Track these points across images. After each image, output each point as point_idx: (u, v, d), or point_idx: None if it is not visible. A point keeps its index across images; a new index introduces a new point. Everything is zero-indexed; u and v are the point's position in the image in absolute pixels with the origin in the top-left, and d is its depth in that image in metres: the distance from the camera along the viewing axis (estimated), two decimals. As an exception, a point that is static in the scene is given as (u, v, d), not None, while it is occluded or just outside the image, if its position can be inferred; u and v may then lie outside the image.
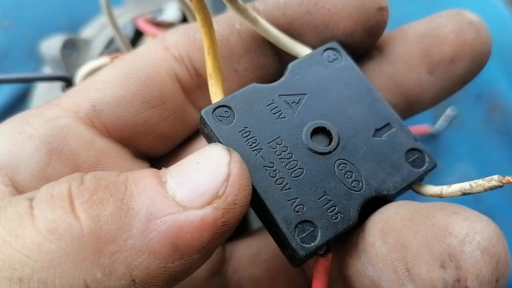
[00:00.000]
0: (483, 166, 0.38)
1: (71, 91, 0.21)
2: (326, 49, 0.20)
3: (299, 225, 0.17)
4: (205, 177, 0.15)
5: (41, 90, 0.41)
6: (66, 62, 0.38)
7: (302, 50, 0.21)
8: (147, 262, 0.14)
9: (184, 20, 0.40)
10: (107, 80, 0.20)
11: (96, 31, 0.43)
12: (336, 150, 0.19)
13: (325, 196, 0.18)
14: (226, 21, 0.21)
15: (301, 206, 0.18)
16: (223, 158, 0.16)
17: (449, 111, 0.38)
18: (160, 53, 0.21)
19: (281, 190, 0.18)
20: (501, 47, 0.42)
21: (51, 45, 0.39)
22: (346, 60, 0.20)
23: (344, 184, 0.19)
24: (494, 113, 0.39)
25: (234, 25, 0.21)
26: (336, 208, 0.18)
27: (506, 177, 0.17)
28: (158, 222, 0.14)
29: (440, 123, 0.38)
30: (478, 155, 0.38)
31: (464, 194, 0.19)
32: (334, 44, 0.20)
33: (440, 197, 0.19)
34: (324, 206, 0.18)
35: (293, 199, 0.18)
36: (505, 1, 0.48)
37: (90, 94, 0.20)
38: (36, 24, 0.47)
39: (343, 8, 0.19)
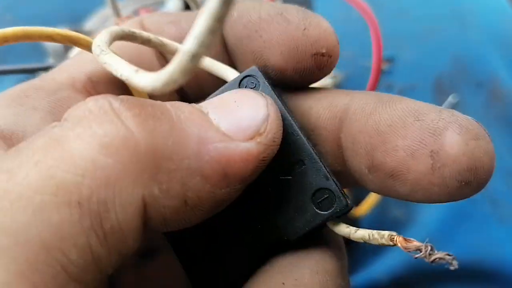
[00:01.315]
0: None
1: (63, 65, 0.20)
2: (244, 77, 0.19)
3: None
4: (247, 114, 0.16)
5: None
6: (68, 54, 0.38)
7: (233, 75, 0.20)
8: (200, 185, 0.14)
9: (187, 9, 0.40)
10: None
11: (98, 23, 0.43)
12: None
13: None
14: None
15: None
16: (261, 100, 0.16)
17: (450, 99, 0.39)
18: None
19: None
20: (501, 34, 0.42)
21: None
22: (264, 87, 0.18)
23: (248, 233, 0.18)
24: (494, 100, 0.39)
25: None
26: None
27: (395, 237, 0.16)
28: (210, 147, 0.15)
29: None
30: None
31: (365, 242, 0.17)
32: (253, 71, 0.19)
33: (349, 238, 0.17)
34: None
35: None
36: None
37: (85, 66, 0.19)
38: (38, 18, 0.47)
39: (276, 44, 0.18)
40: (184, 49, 0.12)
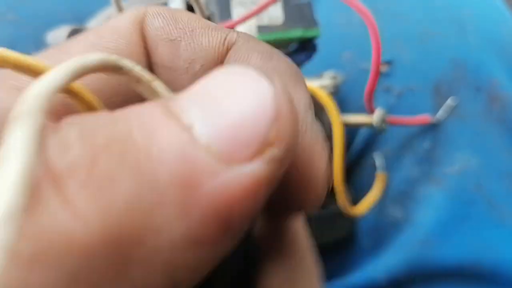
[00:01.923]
0: (483, 155, 0.38)
1: (75, 41, 0.16)
2: None
3: None
4: (246, 113, 0.10)
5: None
6: None
7: None
8: (192, 258, 0.10)
9: (190, 10, 0.40)
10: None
11: (101, 22, 0.43)
12: None
13: None
14: None
15: None
16: (264, 87, 0.11)
17: (449, 102, 0.39)
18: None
19: None
20: (500, 39, 0.43)
21: (57, 35, 0.40)
22: None
23: None
24: (493, 103, 0.40)
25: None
26: None
27: None
28: (202, 192, 0.09)
29: (441, 113, 0.39)
30: (478, 144, 0.39)
31: None
32: None
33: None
34: None
35: None
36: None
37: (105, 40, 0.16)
38: (41, 17, 0.47)
39: None
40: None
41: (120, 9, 0.34)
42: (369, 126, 0.36)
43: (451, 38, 0.41)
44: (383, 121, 0.35)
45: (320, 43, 0.45)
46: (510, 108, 0.40)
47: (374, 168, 0.40)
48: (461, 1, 0.44)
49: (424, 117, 0.39)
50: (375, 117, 0.35)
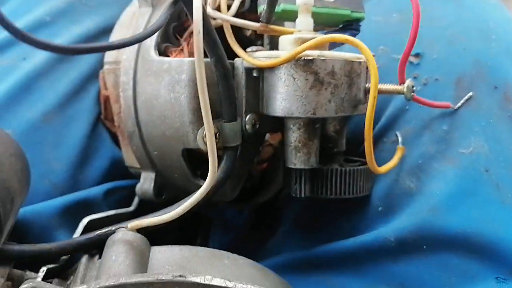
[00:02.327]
0: (494, 143, 0.43)
1: None
2: None
3: None
4: None
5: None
6: None
7: None
8: None
9: None
10: None
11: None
12: None
13: None
14: None
15: None
16: None
17: (468, 96, 0.44)
18: None
19: None
20: None
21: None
22: None
23: None
24: (507, 103, 0.44)
25: None
26: None
27: None
28: None
29: (459, 104, 0.44)
30: (491, 133, 0.43)
31: None
32: None
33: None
34: None
35: None
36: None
37: None
38: None
39: None
40: None
41: None
42: (400, 93, 0.40)
43: (476, 43, 0.46)
44: (412, 90, 0.40)
45: (360, 37, 0.51)
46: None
47: (395, 144, 0.45)
48: (488, 15, 0.49)
49: (446, 103, 0.43)
50: (406, 87, 0.40)
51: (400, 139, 0.44)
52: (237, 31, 0.44)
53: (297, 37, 0.39)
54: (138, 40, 0.31)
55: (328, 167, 0.41)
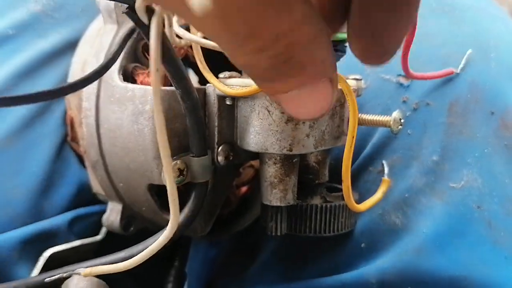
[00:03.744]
0: (488, 176, 0.39)
1: None
2: None
3: None
4: None
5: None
6: (118, 13, 0.40)
7: None
8: None
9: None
10: None
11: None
12: None
13: None
14: None
15: None
16: None
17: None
18: None
19: None
20: None
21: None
22: None
23: None
24: (505, 130, 0.41)
25: None
26: None
27: None
28: None
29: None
30: (485, 166, 0.40)
31: None
32: None
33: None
34: None
35: None
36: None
37: None
38: None
39: None
40: None
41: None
42: (386, 126, 0.37)
43: (474, 62, 0.42)
44: (399, 124, 0.37)
45: (348, 50, 0.47)
46: (520, 137, 0.41)
47: (382, 174, 0.41)
48: (489, 31, 0.45)
49: (449, 70, 0.41)
50: (392, 119, 0.36)
51: (386, 169, 0.41)
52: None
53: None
54: (95, 76, 0.28)
55: (307, 203, 0.38)
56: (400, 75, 0.43)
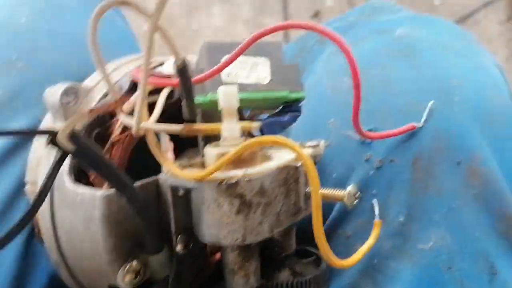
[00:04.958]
0: (458, 233, 0.38)
1: None
2: None
3: None
4: None
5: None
6: (65, 110, 0.41)
7: None
8: None
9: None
10: None
11: (98, 79, 0.45)
12: None
13: None
14: None
15: None
16: None
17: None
18: None
19: None
20: (489, 111, 0.42)
21: (53, 92, 0.42)
22: None
23: None
24: (472, 179, 0.39)
25: None
26: None
27: None
28: None
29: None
30: (454, 221, 0.38)
31: None
32: None
33: None
34: None
35: None
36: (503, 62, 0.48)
37: None
38: (48, 68, 0.50)
39: None
40: None
41: (103, 71, 0.35)
42: (340, 200, 0.36)
43: (437, 109, 0.41)
44: (355, 198, 0.36)
45: (309, 106, 0.46)
46: (489, 185, 0.39)
47: (351, 238, 0.41)
48: (450, 69, 0.44)
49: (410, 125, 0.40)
50: (347, 193, 0.36)
51: (376, 210, 0.39)
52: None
53: (219, 153, 0.35)
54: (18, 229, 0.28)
55: (273, 282, 0.38)
56: (360, 131, 0.42)
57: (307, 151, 0.39)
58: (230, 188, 0.33)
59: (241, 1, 1.89)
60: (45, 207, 0.38)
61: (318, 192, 0.30)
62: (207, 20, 1.88)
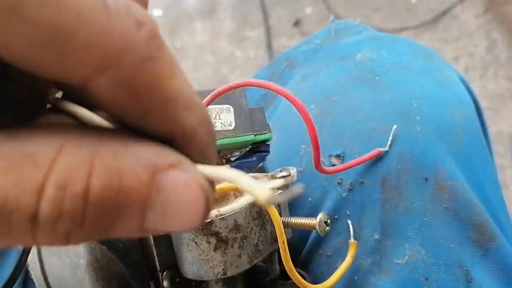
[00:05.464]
0: (431, 246, 0.40)
1: None
2: None
3: None
4: None
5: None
6: None
7: None
8: None
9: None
10: None
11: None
12: None
13: None
14: None
15: None
16: None
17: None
18: None
19: None
20: (451, 125, 0.44)
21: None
22: None
23: None
24: (441, 193, 0.41)
25: None
26: None
27: None
28: None
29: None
30: (427, 235, 0.40)
31: None
32: None
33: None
34: None
35: None
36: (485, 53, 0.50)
37: None
38: None
39: None
40: None
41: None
42: (313, 228, 0.38)
43: (400, 131, 0.42)
44: (326, 225, 0.38)
45: (281, 135, 0.48)
46: (458, 198, 0.41)
47: (331, 257, 0.43)
48: (410, 91, 0.45)
49: (375, 151, 0.42)
50: (318, 221, 0.37)
51: (351, 231, 0.41)
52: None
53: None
54: None
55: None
56: (331, 155, 0.44)
57: (278, 182, 0.40)
58: (205, 228, 0.35)
59: (223, 16, 1.92)
60: (35, 257, 0.40)
61: (283, 233, 0.32)
62: (190, 38, 1.90)
